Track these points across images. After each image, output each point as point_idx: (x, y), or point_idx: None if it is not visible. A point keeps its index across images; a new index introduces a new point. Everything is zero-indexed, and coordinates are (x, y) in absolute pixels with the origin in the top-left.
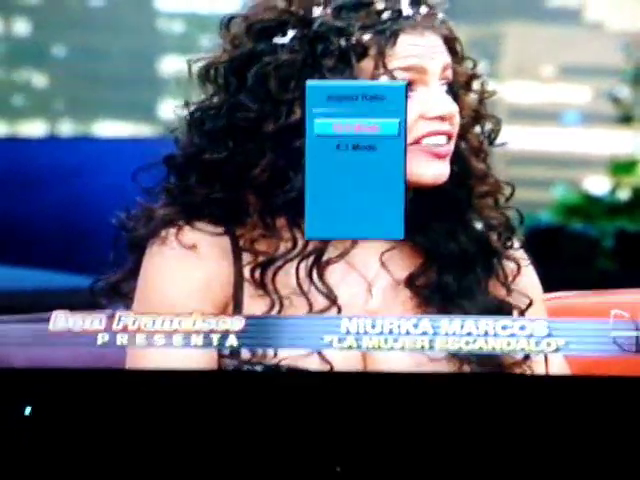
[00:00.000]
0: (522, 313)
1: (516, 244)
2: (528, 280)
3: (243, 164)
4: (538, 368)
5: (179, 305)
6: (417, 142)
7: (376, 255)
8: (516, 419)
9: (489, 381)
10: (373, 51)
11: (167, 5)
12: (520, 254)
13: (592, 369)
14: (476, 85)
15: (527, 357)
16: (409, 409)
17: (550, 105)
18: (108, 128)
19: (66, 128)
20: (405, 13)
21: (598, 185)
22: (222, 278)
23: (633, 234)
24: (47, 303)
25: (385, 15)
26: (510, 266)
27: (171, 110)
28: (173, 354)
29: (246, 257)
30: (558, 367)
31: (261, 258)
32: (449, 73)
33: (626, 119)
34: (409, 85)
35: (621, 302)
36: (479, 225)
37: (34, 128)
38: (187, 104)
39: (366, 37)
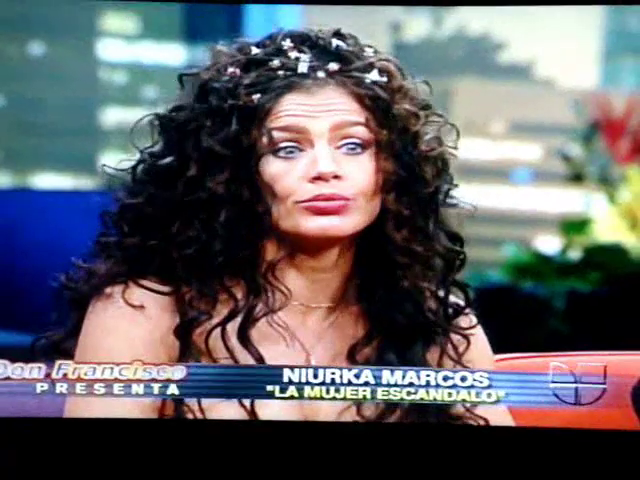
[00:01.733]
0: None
1: (463, 317)
2: (478, 352)
3: (165, 218)
4: (482, 418)
5: (118, 362)
6: (302, 201)
7: (317, 322)
8: (457, 470)
9: (432, 431)
10: (258, 111)
11: (109, 54)
12: (469, 323)
13: (533, 420)
14: (423, 144)
15: (467, 409)
16: (351, 460)
17: (500, 162)
18: (46, 180)
19: (3, 179)
20: (300, 71)
21: (549, 244)
22: (168, 338)
23: (584, 294)
24: None
25: (280, 73)
26: (458, 339)
27: (114, 163)
28: (113, 402)
29: (190, 315)
30: (502, 417)
31: (202, 317)
32: (345, 132)
33: (577, 177)
34: (290, 146)
35: (561, 356)
36: (422, 296)
37: None
38: (142, 152)
39: (253, 97)
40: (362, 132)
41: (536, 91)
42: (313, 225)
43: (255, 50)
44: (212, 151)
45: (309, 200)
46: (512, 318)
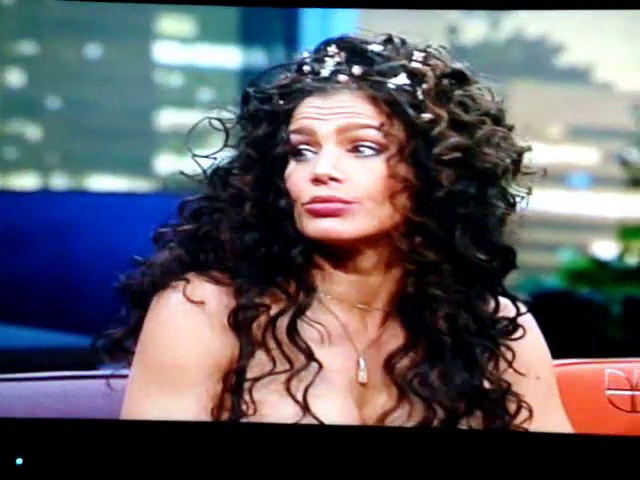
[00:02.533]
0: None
1: (511, 326)
2: (531, 361)
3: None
4: (536, 425)
5: (180, 360)
6: (305, 204)
7: (374, 325)
8: (515, 477)
9: (488, 438)
10: (281, 115)
11: (165, 57)
12: (519, 332)
13: (588, 428)
14: (443, 151)
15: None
16: (407, 465)
17: (557, 167)
18: (102, 182)
19: (59, 181)
20: (323, 75)
21: (606, 250)
22: (229, 332)
23: None
24: (38, 361)
25: (309, 78)
26: (504, 349)
27: (194, 161)
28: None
29: (241, 304)
30: (561, 424)
31: (252, 308)
32: (359, 134)
33: (635, 182)
34: (304, 148)
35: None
36: (452, 306)
37: (26, 181)
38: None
39: (281, 101)
40: (374, 135)
41: (594, 95)
42: (313, 228)
43: (305, 55)
44: (243, 153)
45: (309, 202)
46: (568, 324)
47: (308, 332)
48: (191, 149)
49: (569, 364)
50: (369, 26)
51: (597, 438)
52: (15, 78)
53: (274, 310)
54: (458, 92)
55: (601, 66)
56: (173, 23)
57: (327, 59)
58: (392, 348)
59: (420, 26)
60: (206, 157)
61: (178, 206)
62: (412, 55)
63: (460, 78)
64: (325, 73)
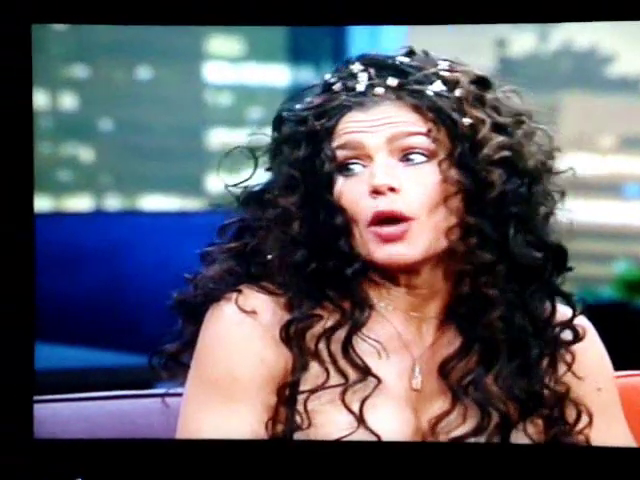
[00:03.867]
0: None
1: (570, 330)
2: (589, 368)
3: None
4: (597, 436)
5: (235, 371)
6: (367, 225)
7: (429, 333)
8: None
9: (550, 451)
10: (321, 133)
11: (214, 77)
12: (579, 334)
13: None
14: (491, 152)
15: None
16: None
17: (611, 177)
18: (154, 202)
19: (112, 202)
20: (358, 90)
21: None
22: (280, 345)
23: None
24: (95, 381)
25: (342, 94)
26: (562, 353)
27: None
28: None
29: (293, 316)
30: (623, 436)
31: (305, 320)
32: (410, 142)
33: None
34: (352, 162)
35: None
36: (506, 307)
37: (80, 203)
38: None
39: (319, 121)
40: (423, 142)
41: None
42: (381, 254)
43: (328, 76)
44: (286, 175)
45: (372, 223)
46: (624, 335)
47: (363, 346)
48: (223, 179)
49: (628, 376)
50: (417, 42)
51: None
52: (68, 101)
53: (329, 323)
54: (489, 96)
55: None
56: (222, 43)
57: (359, 75)
58: (447, 353)
59: (469, 40)
60: (236, 185)
61: (218, 229)
62: (438, 64)
63: (486, 83)
64: (360, 88)
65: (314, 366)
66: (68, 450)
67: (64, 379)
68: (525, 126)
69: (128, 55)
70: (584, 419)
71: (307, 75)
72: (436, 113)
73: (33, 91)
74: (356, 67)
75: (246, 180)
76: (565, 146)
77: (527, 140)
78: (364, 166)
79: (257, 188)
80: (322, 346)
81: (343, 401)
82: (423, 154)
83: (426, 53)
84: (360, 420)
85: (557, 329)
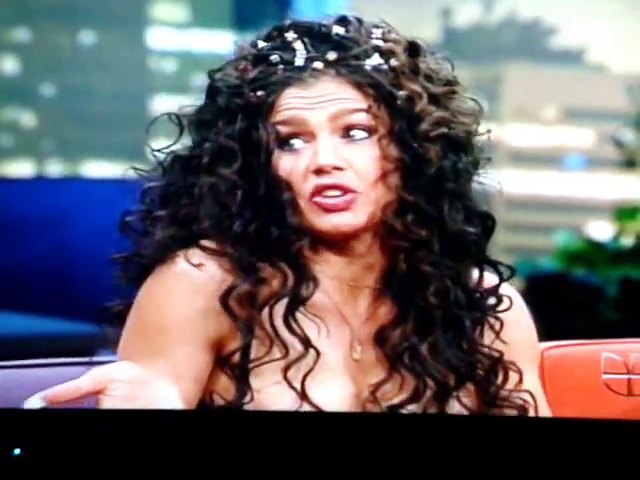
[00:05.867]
0: (497, 367)
1: (498, 298)
2: (516, 336)
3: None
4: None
5: (173, 328)
6: (309, 197)
7: (365, 303)
8: (502, 461)
9: (484, 423)
10: (261, 107)
11: (159, 43)
12: (506, 305)
13: (583, 411)
14: (429, 127)
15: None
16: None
17: (552, 149)
18: (98, 168)
19: (55, 168)
20: (297, 64)
21: (601, 231)
22: (221, 310)
23: (637, 282)
24: (34, 348)
25: (280, 68)
26: (492, 320)
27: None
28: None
29: (233, 284)
30: (534, 388)
31: (243, 288)
32: (351, 120)
33: (630, 163)
34: (295, 138)
35: (614, 349)
36: (441, 280)
37: (21, 168)
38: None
39: (257, 93)
40: (364, 119)
41: (588, 77)
42: (324, 223)
43: (262, 44)
44: (223, 146)
45: (317, 194)
46: (564, 306)
47: (304, 319)
48: (149, 144)
49: (565, 346)
50: (361, 10)
51: (594, 422)
52: (9, 65)
53: (271, 293)
54: (423, 65)
55: (595, 48)
56: (167, 9)
57: (294, 46)
58: (383, 322)
59: (414, 10)
60: (160, 150)
61: (141, 193)
62: (372, 33)
63: (418, 50)
64: (299, 62)
65: (255, 337)
66: (6, 419)
67: (4, 346)
68: (457, 96)
69: (71, 19)
70: (514, 377)
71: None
72: (376, 89)
73: None
74: (290, 35)
75: (170, 145)
76: (508, 117)
77: (459, 111)
78: (305, 141)
79: (183, 153)
80: (265, 317)
81: (285, 378)
82: (364, 130)
83: (360, 20)
84: (303, 397)
85: (485, 296)
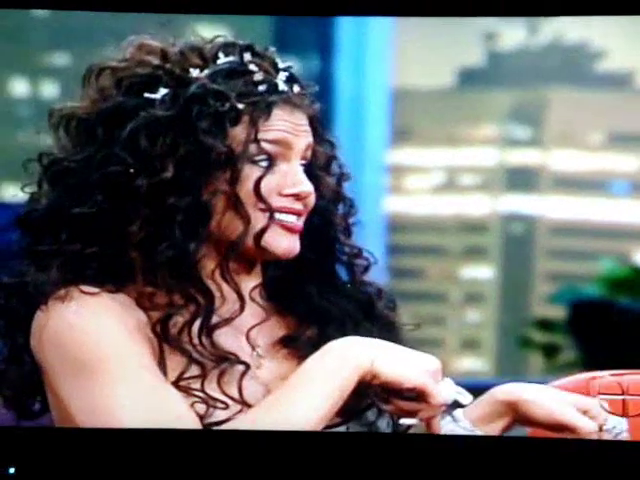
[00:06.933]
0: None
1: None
2: None
3: (118, 219)
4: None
5: (120, 352)
6: (271, 216)
7: (256, 314)
8: None
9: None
10: (246, 119)
11: None
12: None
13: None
14: (335, 167)
15: None
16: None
17: (597, 174)
18: None
19: None
20: (280, 88)
21: None
22: (142, 326)
23: None
24: None
25: (261, 87)
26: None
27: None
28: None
29: (150, 312)
30: None
31: (160, 313)
32: (309, 153)
33: None
34: (272, 159)
35: None
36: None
37: None
38: (41, 157)
39: (241, 105)
40: (313, 153)
41: (635, 101)
42: (287, 245)
43: (224, 58)
44: (190, 153)
45: (285, 211)
46: (607, 333)
47: (220, 333)
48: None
49: (614, 375)
50: (405, 34)
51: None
52: (48, 90)
53: (186, 316)
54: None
55: None
56: (208, 30)
57: (278, 69)
58: (283, 330)
59: (457, 34)
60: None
61: (19, 222)
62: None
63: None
64: (282, 87)
65: (176, 357)
66: (2, 438)
67: None
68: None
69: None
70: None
71: (293, 65)
72: (317, 125)
73: None
74: (247, 57)
75: (28, 184)
76: (553, 142)
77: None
78: (275, 164)
79: (117, 168)
80: (185, 338)
81: (220, 387)
82: (309, 163)
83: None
84: (242, 402)
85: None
